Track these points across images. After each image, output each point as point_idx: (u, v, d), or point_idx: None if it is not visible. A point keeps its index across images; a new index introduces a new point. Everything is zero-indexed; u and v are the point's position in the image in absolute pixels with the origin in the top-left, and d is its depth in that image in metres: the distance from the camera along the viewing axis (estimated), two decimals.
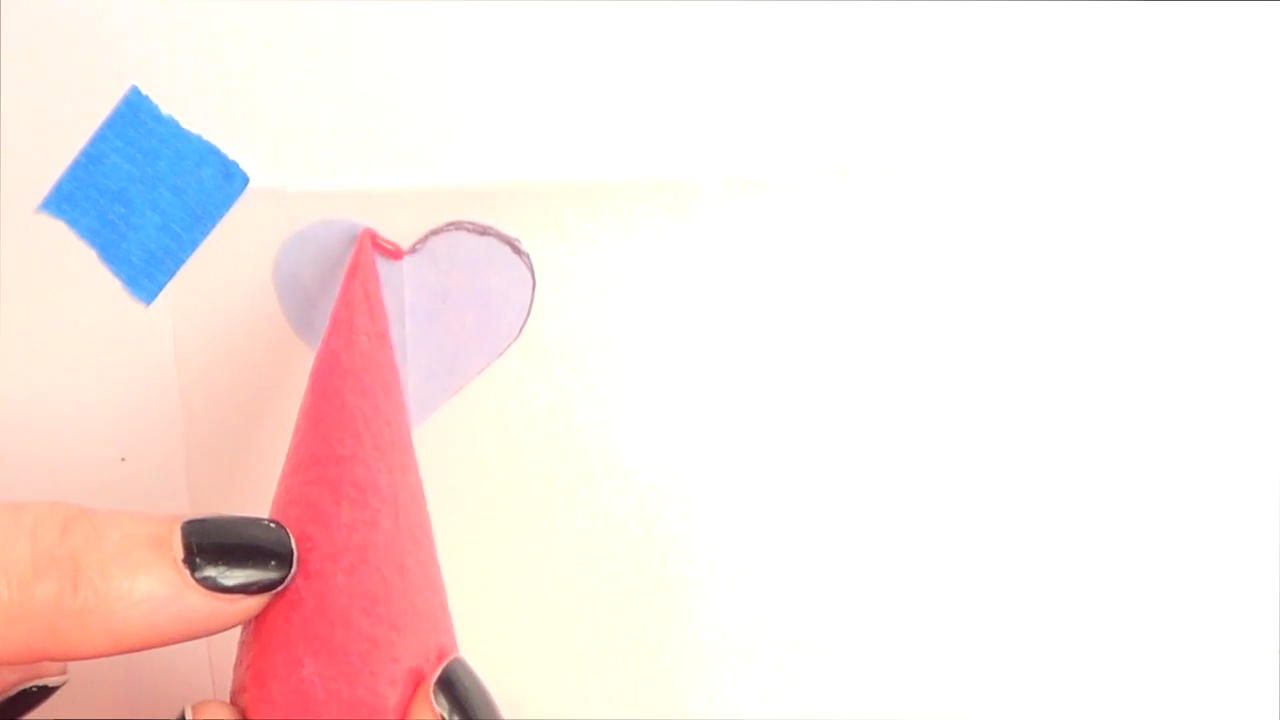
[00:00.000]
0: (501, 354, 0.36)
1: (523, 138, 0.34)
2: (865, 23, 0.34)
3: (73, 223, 0.33)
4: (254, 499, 0.36)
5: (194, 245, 0.34)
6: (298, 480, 0.29)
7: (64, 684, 0.28)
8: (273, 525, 0.28)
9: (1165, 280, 0.37)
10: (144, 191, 0.33)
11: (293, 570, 0.27)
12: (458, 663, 0.28)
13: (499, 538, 0.38)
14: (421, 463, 0.36)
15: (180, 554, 0.26)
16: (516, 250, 0.35)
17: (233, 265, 0.34)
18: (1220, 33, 0.34)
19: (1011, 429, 0.37)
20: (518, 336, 0.36)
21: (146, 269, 0.34)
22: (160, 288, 0.34)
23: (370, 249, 0.33)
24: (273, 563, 0.27)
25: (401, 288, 0.35)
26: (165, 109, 0.33)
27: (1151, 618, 0.39)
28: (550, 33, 0.33)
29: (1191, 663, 0.40)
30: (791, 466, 0.37)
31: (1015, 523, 0.38)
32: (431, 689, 0.27)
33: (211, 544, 0.27)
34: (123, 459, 0.36)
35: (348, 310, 0.31)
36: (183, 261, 0.34)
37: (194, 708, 0.27)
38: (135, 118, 0.32)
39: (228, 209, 0.34)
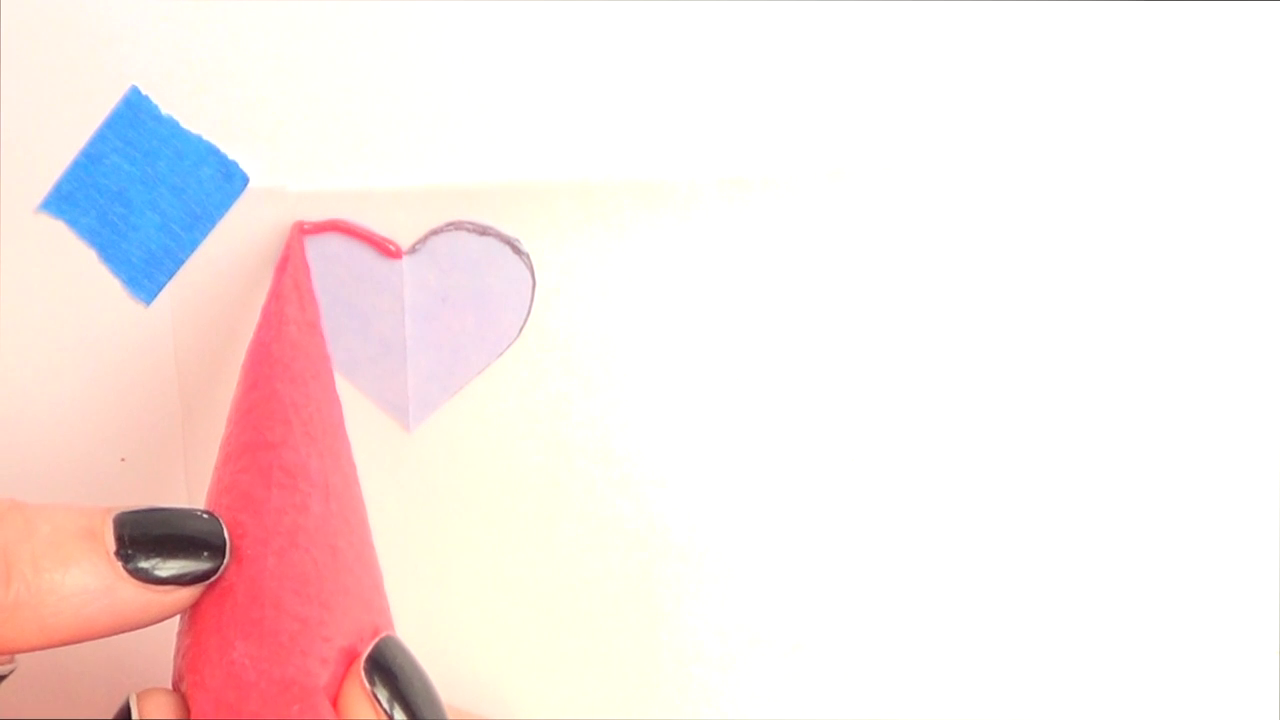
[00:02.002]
0: (501, 354, 0.36)
1: (523, 138, 0.34)
2: (862, 23, 0.34)
3: (73, 223, 0.33)
4: None
5: (194, 245, 0.34)
6: (229, 470, 0.29)
7: (11, 672, 0.27)
8: (205, 516, 0.28)
9: (1164, 280, 0.37)
10: (144, 191, 0.33)
11: (225, 560, 0.27)
12: (389, 640, 0.28)
13: (499, 537, 0.38)
14: (422, 463, 0.36)
15: (112, 546, 0.26)
16: (516, 250, 0.35)
17: (233, 265, 0.34)
18: (1220, 33, 0.34)
19: (1011, 428, 0.37)
20: (518, 336, 0.36)
21: (146, 269, 0.34)
22: (160, 288, 0.34)
23: (300, 242, 0.33)
24: (205, 554, 0.27)
25: (401, 288, 0.35)
26: (165, 109, 0.33)
27: (1151, 618, 0.39)
28: (550, 33, 0.33)
29: (1191, 663, 0.40)
30: (791, 466, 0.37)
31: (1015, 523, 0.38)
32: (362, 666, 0.27)
33: (143, 535, 0.27)
34: (122, 459, 0.36)
35: (278, 302, 0.32)
36: (183, 261, 0.34)
37: (139, 695, 0.27)
38: (135, 118, 0.32)
39: (228, 209, 0.34)
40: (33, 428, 0.35)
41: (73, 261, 0.33)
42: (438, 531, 0.37)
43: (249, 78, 0.33)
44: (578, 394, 0.36)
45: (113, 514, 0.27)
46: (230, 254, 0.34)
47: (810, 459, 0.37)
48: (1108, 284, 0.36)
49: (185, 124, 0.33)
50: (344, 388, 0.36)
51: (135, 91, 0.32)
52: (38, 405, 0.35)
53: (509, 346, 0.36)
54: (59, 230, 0.33)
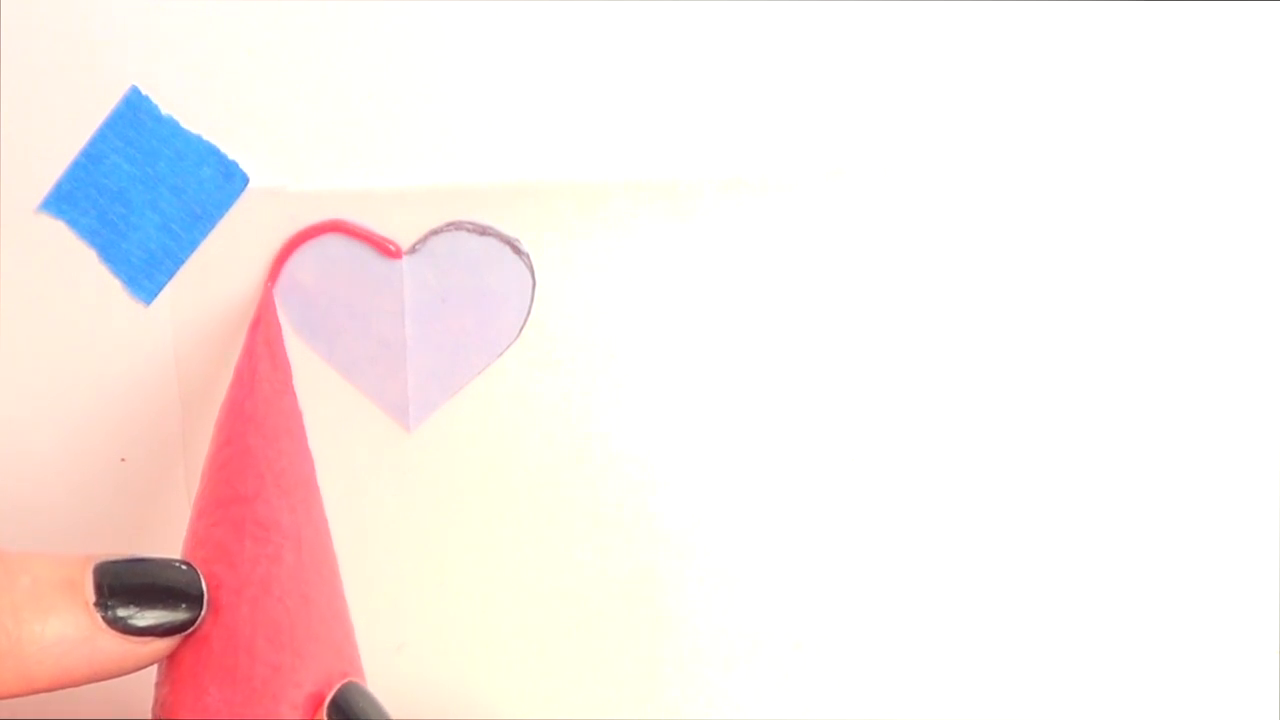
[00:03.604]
0: (501, 354, 0.36)
1: (523, 138, 0.34)
2: (861, 23, 0.34)
3: (73, 223, 0.33)
4: None
5: (194, 245, 0.34)
6: (204, 523, 0.30)
7: None
8: (184, 566, 0.28)
9: (1164, 280, 0.37)
10: (144, 191, 0.33)
11: (203, 612, 0.28)
12: (350, 685, 0.29)
13: (498, 537, 0.38)
14: (422, 463, 0.36)
15: (92, 597, 0.27)
16: (516, 250, 0.35)
17: (233, 265, 0.34)
18: (1220, 33, 0.34)
19: (1011, 428, 0.37)
20: (518, 336, 0.36)
21: (146, 269, 0.34)
22: (160, 288, 0.34)
23: (273, 304, 0.34)
24: (183, 605, 0.28)
25: (401, 288, 0.35)
26: (165, 109, 0.33)
27: (1151, 618, 0.39)
28: (550, 33, 0.33)
29: (1191, 663, 0.40)
30: (791, 466, 0.37)
31: (1015, 523, 0.38)
32: (325, 710, 0.28)
33: (123, 586, 0.27)
34: (123, 459, 0.36)
35: (250, 360, 0.33)
36: (182, 261, 0.34)
37: None
38: (135, 118, 0.32)
39: (228, 209, 0.34)
40: (33, 428, 0.35)
41: (73, 261, 0.33)
42: (438, 531, 0.37)
43: (249, 78, 0.33)
44: (578, 394, 0.36)
45: (93, 564, 0.27)
46: (230, 254, 0.34)
47: (810, 458, 0.37)
48: (1108, 284, 0.36)
49: (185, 124, 0.33)
50: (344, 388, 0.36)
51: (135, 91, 0.32)
52: (38, 405, 0.35)
53: (509, 346, 0.36)
54: (59, 230, 0.33)
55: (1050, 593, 0.39)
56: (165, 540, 0.37)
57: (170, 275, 0.34)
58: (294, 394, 0.33)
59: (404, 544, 0.37)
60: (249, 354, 0.33)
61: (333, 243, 0.34)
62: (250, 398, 0.32)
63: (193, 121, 0.33)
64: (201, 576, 0.28)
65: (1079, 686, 0.40)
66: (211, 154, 0.33)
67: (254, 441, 0.31)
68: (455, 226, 0.34)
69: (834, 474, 0.38)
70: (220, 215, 0.34)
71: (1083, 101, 0.35)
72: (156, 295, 0.34)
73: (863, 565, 0.38)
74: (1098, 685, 0.40)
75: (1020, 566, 0.39)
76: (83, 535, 0.36)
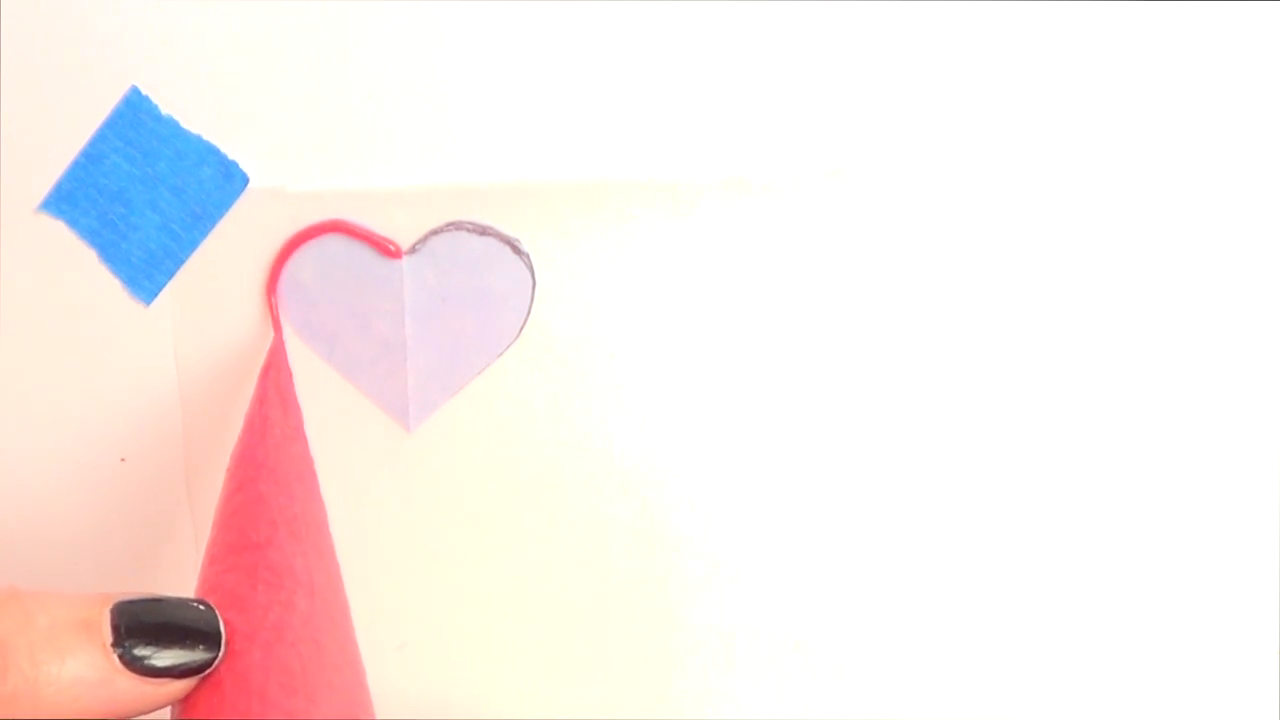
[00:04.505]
0: (501, 354, 0.36)
1: (523, 138, 0.34)
2: (861, 23, 0.34)
3: (73, 223, 0.33)
4: None
5: (194, 245, 0.34)
6: (215, 570, 0.30)
7: None
8: (201, 606, 0.28)
9: (1164, 279, 0.37)
10: (144, 191, 0.33)
11: (221, 652, 0.28)
12: None
13: (498, 537, 0.38)
14: (422, 463, 0.36)
15: (109, 638, 0.27)
16: (516, 250, 0.35)
17: (233, 265, 0.34)
18: (1220, 33, 0.34)
19: (1010, 428, 0.37)
20: (518, 336, 0.36)
21: (146, 269, 0.34)
22: (160, 288, 0.34)
23: (283, 350, 0.34)
24: (201, 646, 0.28)
25: (401, 288, 0.35)
26: (165, 109, 0.33)
27: (1151, 618, 0.39)
28: (550, 33, 0.33)
29: (1191, 663, 0.40)
30: (791, 465, 0.37)
31: (1016, 523, 0.38)
32: None
33: (140, 625, 0.27)
34: (122, 459, 0.36)
35: (261, 407, 0.33)
36: (182, 261, 0.34)
37: None
38: (135, 118, 0.32)
39: (228, 209, 0.34)
40: (33, 428, 0.35)
41: (73, 261, 0.33)
42: (438, 531, 0.37)
43: (249, 78, 0.33)
44: (578, 394, 0.36)
45: (110, 604, 0.27)
46: (230, 254, 0.34)
47: (810, 458, 0.37)
48: (1108, 283, 0.36)
49: (185, 124, 0.33)
50: (344, 388, 0.36)
51: (135, 91, 0.32)
52: (38, 405, 0.35)
53: (509, 346, 0.36)
54: (59, 230, 0.33)
55: (1050, 593, 0.39)
56: (164, 540, 0.37)
57: (170, 275, 0.34)
58: (305, 440, 0.33)
59: (404, 544, 0.37)
60: (260, 400, 0.33)
61: (333, 243, 0.34)
62: (262, 444, 0.32)
63: (193, 121, 0.33)
64: (219, 615, 0.28)
65: (1079, 686, 0.40)
66: (211, 154, 0.33)
67: (266, 488, 0.31)
68: (455, 226, 0.34)
69: (834, 473, 0.38)
70: (220, 215, 0.34)
71: (1083, 101, 0.35)
72: (156, 295, 0.34)
73: (862, 565, 0.38)
74: (1098, 685, 0.40)
75: (1020, 567, 0.39)
76: (83, 535, 0.36)
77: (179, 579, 0.37)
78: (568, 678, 0.39)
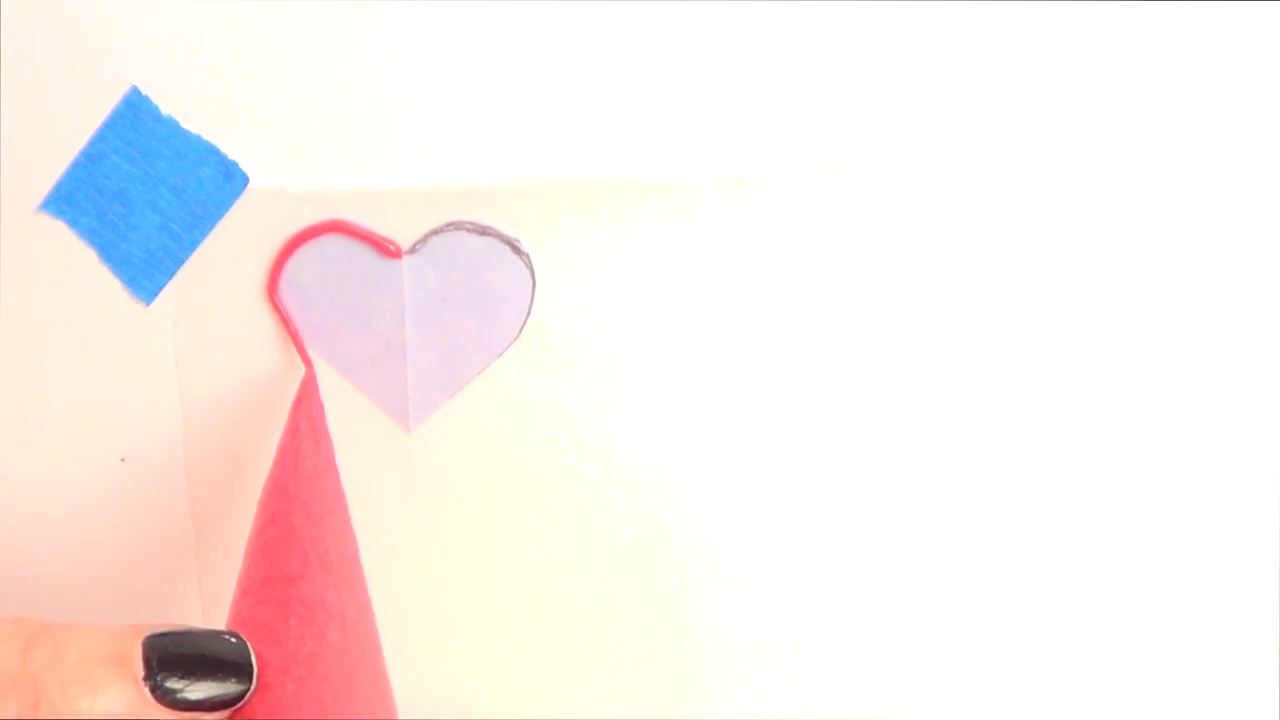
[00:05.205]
0: (501, 354, 0.36)
1: (523, 138, 0.34)
2: (861, 23, 0.34)
3: (73, 223, 0.33)
4: (252, 499, 0.36)
5: (194, 245, 0.34)
6: (247, 603, 0.30)
7: None
8: (233, 639, 0.28)
9: (1164, 279, 0.37)
10: (144, 191, 0.33)
11: (253, 685, 0.28)
12: None
13: (498, 537, 0.38)
14: (422, 463, 0.36)
15: (140, 671, 0.27)
16: (516, 250, 0.35)
17: (233, 265, 0.34)
18: (1220, 33, 0.34)
19: (1010, 428, 0.37)
20: (518, 336, 0.36)
21: (146, 269, 0.34)
22: (160, 288, 0.34)
23: (315, 383, 0.34)
24: (233, 679, 0.27)
25: (401, 288, 0.35)
26: (165, 109, 0.33)
27: (1152, 618, 0.39)
28: (550, 33, 0.33)
29: (1192, 663, 0.40)
30: (791, 465, 0.37)
31: (1016, 522, 0.38)
32: None
33: (172, 658, 0.27)
34: (122, 459, 0.36)
35: (294, 439, 0.33)
36: (182, 261, 0.34)
37: None
38: (135, 118, 0.32)
39: (228, 209, 0.34)
40: (33, 427, 0.35)
41: (73, 261, 0.33)
42: (438, 531, 0.37)
43: (249, 78, 0.33)
44: (577, 394, 0.36)
45: (141, 636, 0.27)
46: (230, 254, 0.34)
47: (810, 458, 0.37)
48: (1107, 283, 0.36)
49: (185, 124, 0.33)
50: (344, 387, 0.36)
51: (135, 91, 0.32)
52: (38, 405, 0.35)
53: (509, 346, 0.36)
54: (59, 230, 0.33)
55: (1050, 593, 0.39)
56: (164, 540, 0.37)
57: (170, 275, 0.34)
58: (337, 472, 0.33)
59: (404, 544, 0.37)
60: (292, 432, 0.33)
61: (333, 243, 0.34)
62: (294, 476, 0.32)
63: (193, 121, 0.33)
64: (251, 648, 0.28)
65: (1079, 686, 0.40)
66: (211, 154, 0.33)
67: (298, 520, 0.31)
68: (455, 226, 0.34)
69: (834, 474, 0.38)
70: (220, 215, 0.34)
71: (1083, 101, 0.35)
72: (156, 295, 0.34)
73: (863, 566, 0.38)
74: (1098, 685, 0.40)
75: (1020, 567, 0.39)
76: (83, 535, 0.36)
77: (179, 579, 0.37)
78: (568, 678, 0.39)
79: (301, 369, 0.34)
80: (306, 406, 0.34)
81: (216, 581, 0.37)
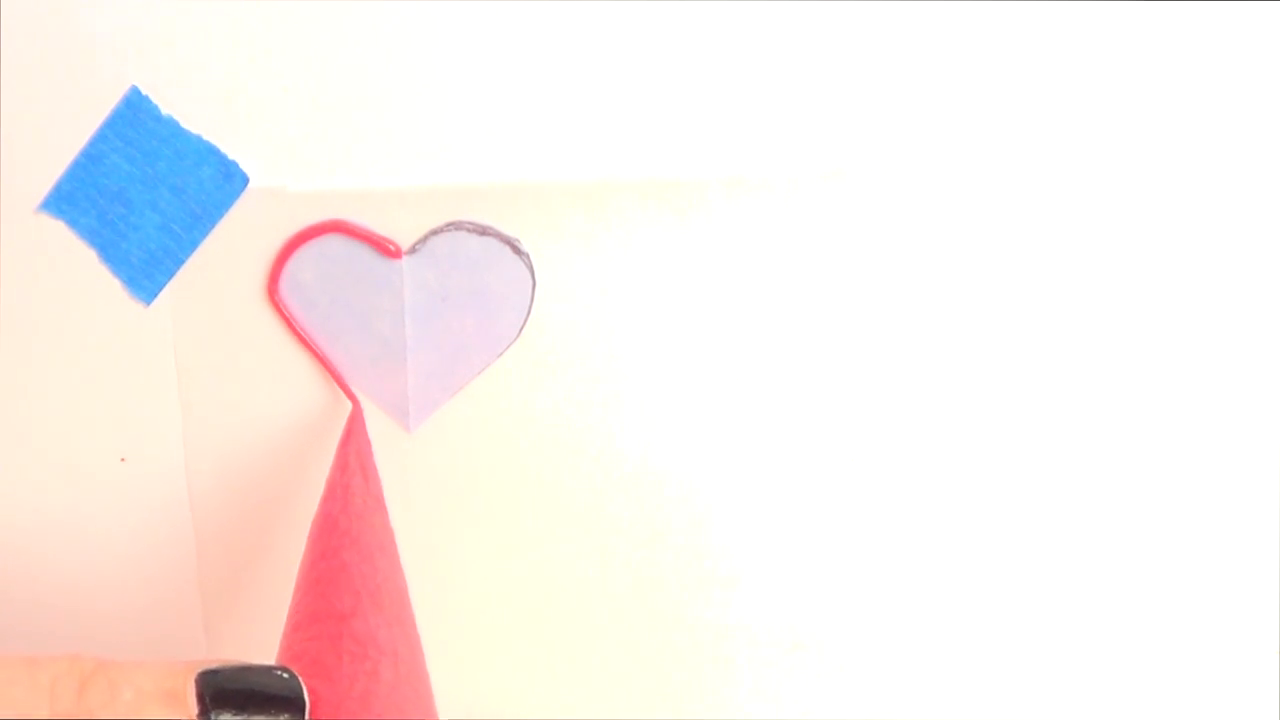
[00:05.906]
0: (501, 354, 0.36)
1: (523, 138, 0.34)
2: (861, 23, 0.34)
3: (73, 223, 0.33)
4: (253, 498, 0.36)
5: (194, 245, 0.34)
6: (299, 637, 0.30)
7: None
8: (285, 675, 0.28)
9: (1164, 279, 0.37)
10: (144, 191, 0.33)
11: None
12: None
13: (499, 537, 0.38)
14: (422, 463, 0.36)
15: (194, 708, 0.27)
16: (516, 250, 0.35)
17: (233, 265, 0.34)
18: (1220, 33, 0.34)
19: (1011, 428, 0.37)
20: (518, 336, 0.36)
21: (146, 269, 0.34)
22: (160, 288, 0.34)
23: (362, 419, 0.35)
24: (285, 715, 0.28)
25: (401, 288, 0.35)
26: (165, 109, 0.33)
27: (1152, 618, 0.39)
28: (550, 33, 0.33)
29: (1192, 663, 0.40)
30: (791, 466, 0.37)
31: (1016, 522, 0.38)
32: None
33: (224, 694, 0.27)
34: (122, 459, 0.36)
35: (343, 475, 0.33)
36: (182, 261, 0.34)
37: None
38: (135, 118, 0.32)
39: (228, 209, 0.34)
40: (33, 427, 0.35)
41: (73, 261, 0.33)
42: (438, 532, 0.37)
43: (249, 78, 0.33)
44: (578, 394, 0.36)
45: (194, 672, 0.27)
46: (230, 254, 0.34)
47: (810, 458, 0.37)
48: (1107, 283, 0.36)
49: (185, 124, 0.33)
50: None
51: (135, 91, 0.32)
52: (38, 405, 0.35)
53: (509, 346, 0.36)
54: (59, 230, 0.33)
55: (1050, 593, 0.39)
56: (165, 540, 0.37)
57: (170, 275, 0.34)
58: (385, 510, 0.33)
59: (404, 544, 0.37)
60: (341, 468, 0.33)
61: (333, 243, 0.34)
62: (345, 513, 0.32)
63: (193, 121, 0.33)
64: (302, 682, 0.28)
65: (1079, 686, 0.40)
66: (211, 154, 0.33)
67: (349, 557, 0.31)
68: (455, 226, 0.34)
69: (834, 474, 0.38)
70: (220, 215, 0.34)
71: (1083, 101, 0.35)
72: (156, 295, 0.34)
73: (862, 566, 0.38)
74: (1098, 685, 0.40)
75: (1020, 567, 0.39)
76: (83, 535, 0.36)
77: (179, 579, 0.37)
78: (568, 678, 0.39)
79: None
80: (355, 443, 0.34)
81: (216, 582, 0.37)
